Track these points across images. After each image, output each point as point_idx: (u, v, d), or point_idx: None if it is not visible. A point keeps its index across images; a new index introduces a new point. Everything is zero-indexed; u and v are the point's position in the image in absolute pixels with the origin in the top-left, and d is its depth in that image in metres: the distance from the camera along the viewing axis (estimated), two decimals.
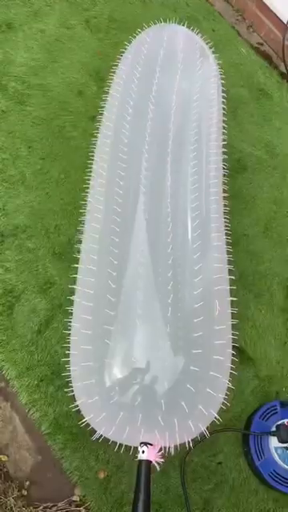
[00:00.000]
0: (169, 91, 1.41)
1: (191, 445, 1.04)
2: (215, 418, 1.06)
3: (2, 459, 1.28)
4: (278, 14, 2.06)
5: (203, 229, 1.17)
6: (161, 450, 1.03)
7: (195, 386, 1.02)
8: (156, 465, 1.01)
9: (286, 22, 2.03)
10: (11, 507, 1.23)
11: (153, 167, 1.27)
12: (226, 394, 1.09)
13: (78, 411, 1.08)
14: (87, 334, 1.08)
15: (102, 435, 1.06)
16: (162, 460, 1.01)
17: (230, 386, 1.09)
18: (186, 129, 1.35)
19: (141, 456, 1.00)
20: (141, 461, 0.99)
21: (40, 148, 1.71)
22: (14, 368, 1.38)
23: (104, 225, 1.21)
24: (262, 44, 2.21)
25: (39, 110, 1.78)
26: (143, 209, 1.19)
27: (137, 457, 1.01)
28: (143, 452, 1.00)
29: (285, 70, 2.13)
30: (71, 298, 1.18)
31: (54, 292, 1.49)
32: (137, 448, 1.03)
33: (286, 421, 1.38)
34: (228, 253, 1.25)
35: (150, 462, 1.00)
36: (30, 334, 1.43)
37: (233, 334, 1.14)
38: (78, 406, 1.08)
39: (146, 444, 1.01)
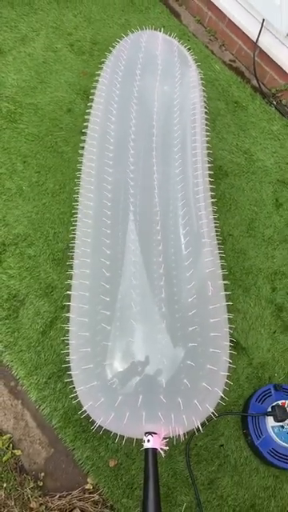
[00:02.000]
0: (150, 90, 1.50)
1: (200, 428, 1.09)
2: (221, 398, 1.11)
3: (17, 454, 1.34)
4: (247, 33, 2.24)
5: (190, 216, 1.26)
6: (165, 437, 1.07)
7: (195, 361, 1.07)
8: (161, 452, 1.05)
9: (255, 41, 2.21)
10: (28, 497, 1.29)
11: (139, 164, 1.34)
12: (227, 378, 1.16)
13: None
14: (84, 322, 1.14)
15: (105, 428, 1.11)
16: (167, 448, 1.06)
17: (232, 365, 1.17)
18: (169, 124, 1.44)
19: (146, 445, 1.04)
20: (147, 449, 1.04)
21: (35, 162, 1.82)
22: (22, 367, 1.46)
23: (95, 223, 1.28)
24: (234, 61, 2.38)
25: (32, 127, 1.90)
26: (132, 210, 1.27)
27: (143, 445, 1.05)
28: (148, 441, 1.04)
29: (257, 84, 2.30)
30: None
31: (56, 295, 1.58)
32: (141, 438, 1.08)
33: (280, 402, 1.48)
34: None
35: (156, 449, 1.04)
36: (35, 335, 1.51)
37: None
38: (79, 398, 1.13)
39: (150, 433, 1.05)
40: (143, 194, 1.29)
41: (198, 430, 1.11)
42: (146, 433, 1.06)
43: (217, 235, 1.40)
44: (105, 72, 1.64)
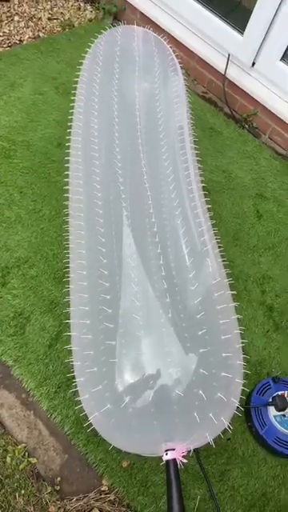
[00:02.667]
0: (130, 84, 1.61)
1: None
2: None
3: (32, 461, 1.39)
4: (215, 67, 2.47)
5: (187, 222, 1.35)
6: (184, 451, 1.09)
7: (208, 372, 1.07)
8: (180, 463, 1.08)
9: (223, 73, 2.43)
10: (46, 502, 1.32)
11: (127, 167, 1.41)
12: None
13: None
14: (88, 339, 1.17)
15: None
16: (186, 461, 1.09)
17: (246, 370, 1.23)
18: (153, 121, 1.54)
19: (165, 457, 1.07)
20: (167, 461, 1.07)
21: (31, 192, 1.95)
22: (32, 379, 1.52)
23: (88, 239, 1.33)
24: (206, 93, 2.61)
25: (25, 161, 2.04)
26: (126, 214, 1.31)
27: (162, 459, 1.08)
28: (167, 454, 1.07)
29: (229, 111, 2.51)
30: None
31: (59, 310, 1.67)
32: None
33: (279, 393, 1.56)
34: None
35: (175, 459, 1.07)
36: (42, 348, 1.58)
37: None
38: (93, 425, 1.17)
39: (168, 450, 1.08)
40: (135, 205, 1.34)
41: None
42: (166, 450, 1.08)
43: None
44: (84, 70, 1.76)
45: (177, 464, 1.07)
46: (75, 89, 2.36)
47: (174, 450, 1.07)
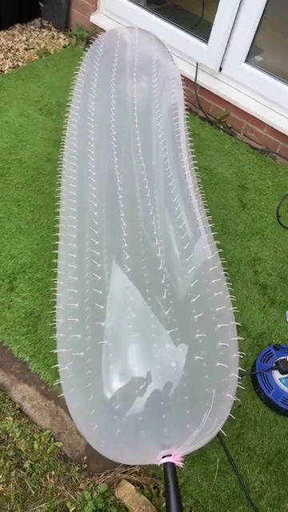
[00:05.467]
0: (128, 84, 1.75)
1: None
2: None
3: (58, 445, 1.46)
4: (186, 76, 2.65)
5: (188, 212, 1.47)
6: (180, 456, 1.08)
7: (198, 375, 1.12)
8: (179, 465, 1.05)
9: (194, 80, 2.61)
10: (76, 480, 1.40)
11: (124, 162, 1.52)
12: None
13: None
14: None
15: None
16: (183, 464, 1.06)
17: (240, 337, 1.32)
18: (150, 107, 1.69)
19: (162, 460, 1.04)
20: (164, 464, 1.04)
21: (28, 204, 2.08)
22: (49, 372, 1.61)
23: (80, 227, 1.45)
24: None
25: (19, 177, 2.18)
26: (120, 198, 1.40)
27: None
28: (164, 457, 1.05)
29: (203, 115, 2.68)
30: None
31: None
32: None
33: (282, 357, 1.66)
34: None
35: (173, 463, 1.04)
36: (55, 343, 1.67)
37: None
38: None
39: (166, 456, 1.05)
40: (131, 207, 1.41)
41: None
42: (163, 456, 1.06)
43: None
44: (81, 72, 1.92)
45: (174, 467, 1.06)
46: (58, 110, 2.53)
47: (170, 455, 1.06)
